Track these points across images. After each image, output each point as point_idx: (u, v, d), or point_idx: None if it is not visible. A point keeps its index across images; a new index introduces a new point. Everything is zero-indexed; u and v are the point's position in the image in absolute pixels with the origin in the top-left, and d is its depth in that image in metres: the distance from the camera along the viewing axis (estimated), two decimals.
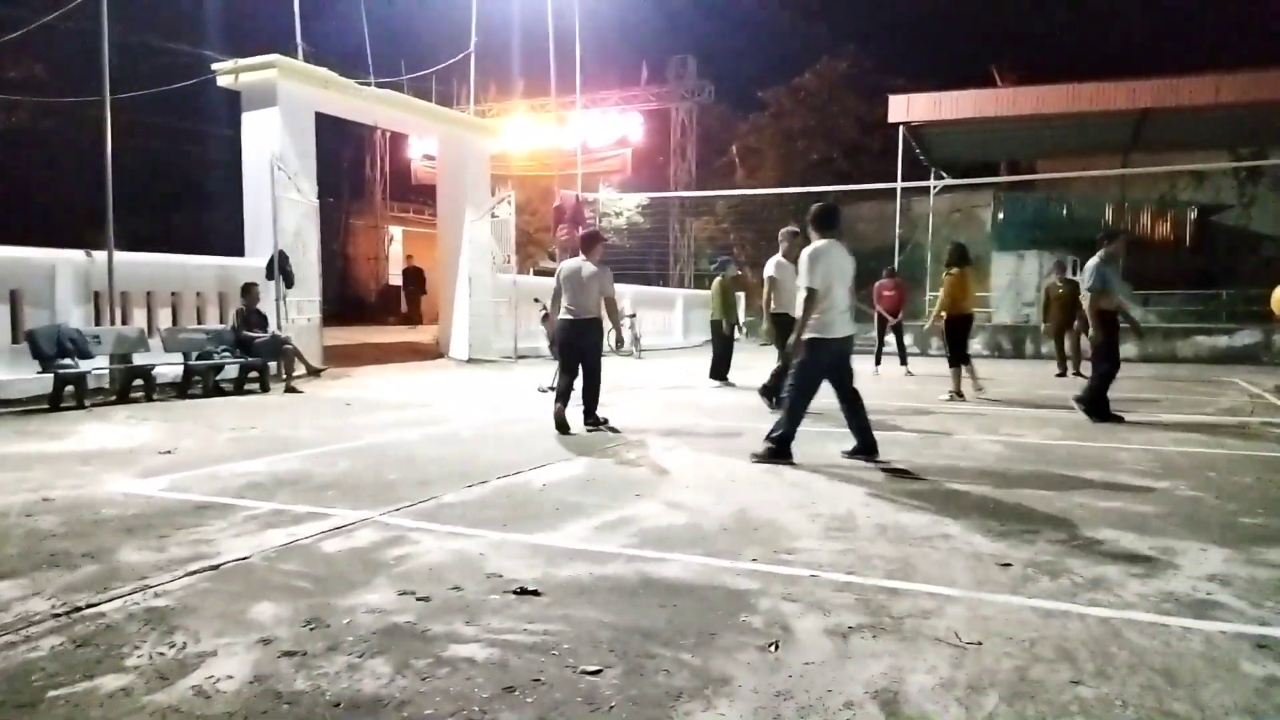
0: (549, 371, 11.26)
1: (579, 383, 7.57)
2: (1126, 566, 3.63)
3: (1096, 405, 8.14)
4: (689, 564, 3.67)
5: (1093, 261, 8.07)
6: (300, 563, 3.67)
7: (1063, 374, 13.47)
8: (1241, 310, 18.87)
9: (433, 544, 3.94)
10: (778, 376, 8.76)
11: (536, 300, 17.16)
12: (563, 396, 7.43)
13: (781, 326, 8.70)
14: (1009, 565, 3.66)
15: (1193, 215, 22.59)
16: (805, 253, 5.94)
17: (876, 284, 13.76)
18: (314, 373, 11.86)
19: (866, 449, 6.09)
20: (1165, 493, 5.11)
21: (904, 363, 13.72)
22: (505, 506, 4.70)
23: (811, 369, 5.98)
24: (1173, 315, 20.08)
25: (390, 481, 5.31)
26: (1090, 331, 8.05)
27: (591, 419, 7.59)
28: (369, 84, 15.12)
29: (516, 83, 33.92)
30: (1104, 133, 20.63)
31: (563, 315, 7.53)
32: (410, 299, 34.16)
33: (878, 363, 13.54)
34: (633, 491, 5.10)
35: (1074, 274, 15.32)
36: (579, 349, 7.55)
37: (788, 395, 6.09)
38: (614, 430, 7.44)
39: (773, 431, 6.05)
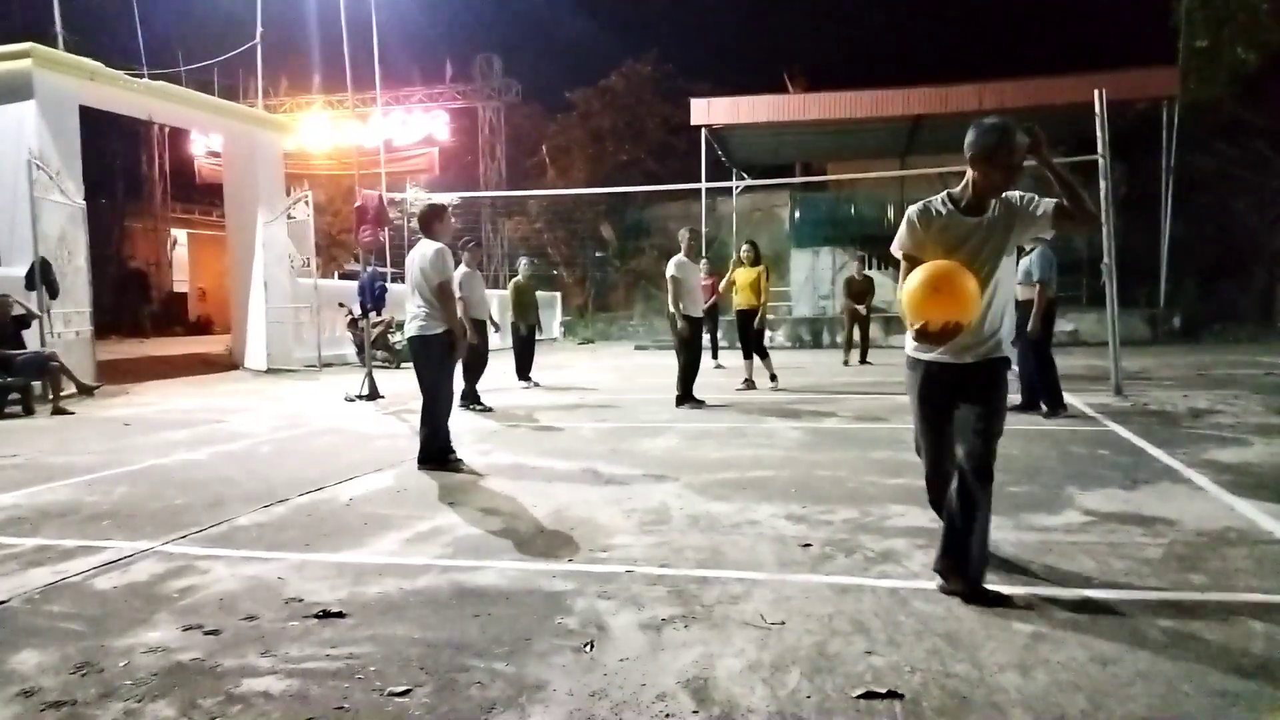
0: (357, 380, 10.81)
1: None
2: (912, 539, 3.92)
3: (1056, 397, 7.58)
4: (504, 570, 3.61)
5: (1043, 250, 7.40)
6: (69, 603, 3.31)
7: (846, 363, 14.11)
8: None
9: (224, 572, 3.66)
10: (683, 380, 8.92)
11: (341, 305, 16.44)
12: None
13: (692, 325, 8.86)
14: (809, 545, 3.86)
15: None
16: None
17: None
18: (86, 391, 10.76)
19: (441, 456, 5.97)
20: None
21: (714, 356, 14.14)
22: (307, 525, 4.44)
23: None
24: None
25: (176, 507, 4.89)
26: (1031, 325, 7.31)
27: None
28: (141, 76, 13.88)
29: (311, 77, 32.33)
30: (885, 137, 22.30)
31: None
32: (130, 307, 29.44)
33: (714, 356, 13.90)
34: (446, 500, 4.97)
35: (870, 268, 16.34)
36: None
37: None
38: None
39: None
